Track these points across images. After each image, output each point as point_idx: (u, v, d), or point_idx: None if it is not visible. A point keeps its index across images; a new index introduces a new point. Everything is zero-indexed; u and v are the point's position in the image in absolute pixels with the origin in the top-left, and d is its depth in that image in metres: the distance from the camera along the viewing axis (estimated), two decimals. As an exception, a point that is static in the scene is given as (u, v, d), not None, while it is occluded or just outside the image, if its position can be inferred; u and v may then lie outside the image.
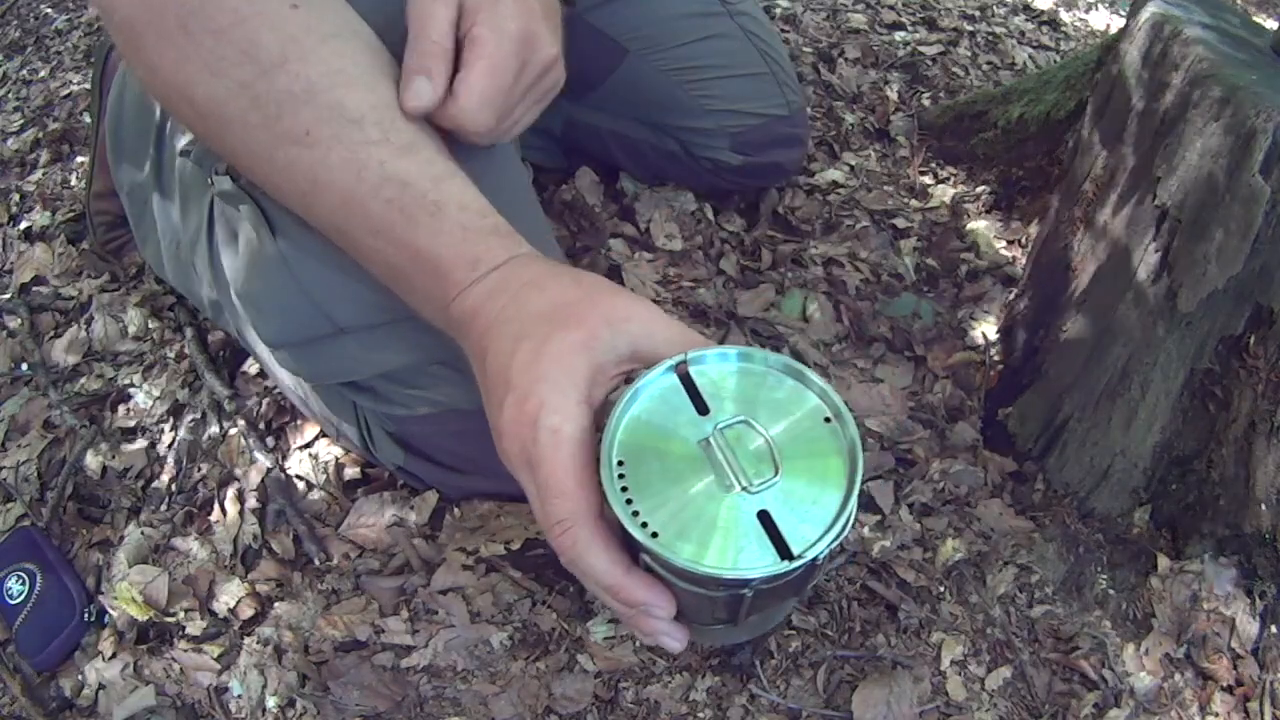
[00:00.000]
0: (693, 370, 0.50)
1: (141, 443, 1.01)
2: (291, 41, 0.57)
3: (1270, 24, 1.56)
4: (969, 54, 1.59)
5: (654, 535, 0.45)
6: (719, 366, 0.51)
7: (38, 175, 1.41)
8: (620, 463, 0.47)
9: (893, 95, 1.44)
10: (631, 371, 0.52)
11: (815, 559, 0.45)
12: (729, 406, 0.49)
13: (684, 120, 1.11)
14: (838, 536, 0.45)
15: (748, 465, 0.47)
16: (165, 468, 0.98)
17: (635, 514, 0.46)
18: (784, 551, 0.45)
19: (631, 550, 0.48)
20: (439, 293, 0.57)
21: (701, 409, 0.49)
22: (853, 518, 0.46)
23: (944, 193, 1.27)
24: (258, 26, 0.57)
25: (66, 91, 1.60)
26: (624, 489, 0.46)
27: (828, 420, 0.49)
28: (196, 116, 0.59)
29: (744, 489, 0.47)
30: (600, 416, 0.50)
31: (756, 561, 0.45)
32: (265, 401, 1.00)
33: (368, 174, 0.57)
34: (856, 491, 0.47)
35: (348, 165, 0.57)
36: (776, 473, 0.47)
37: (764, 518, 0.46)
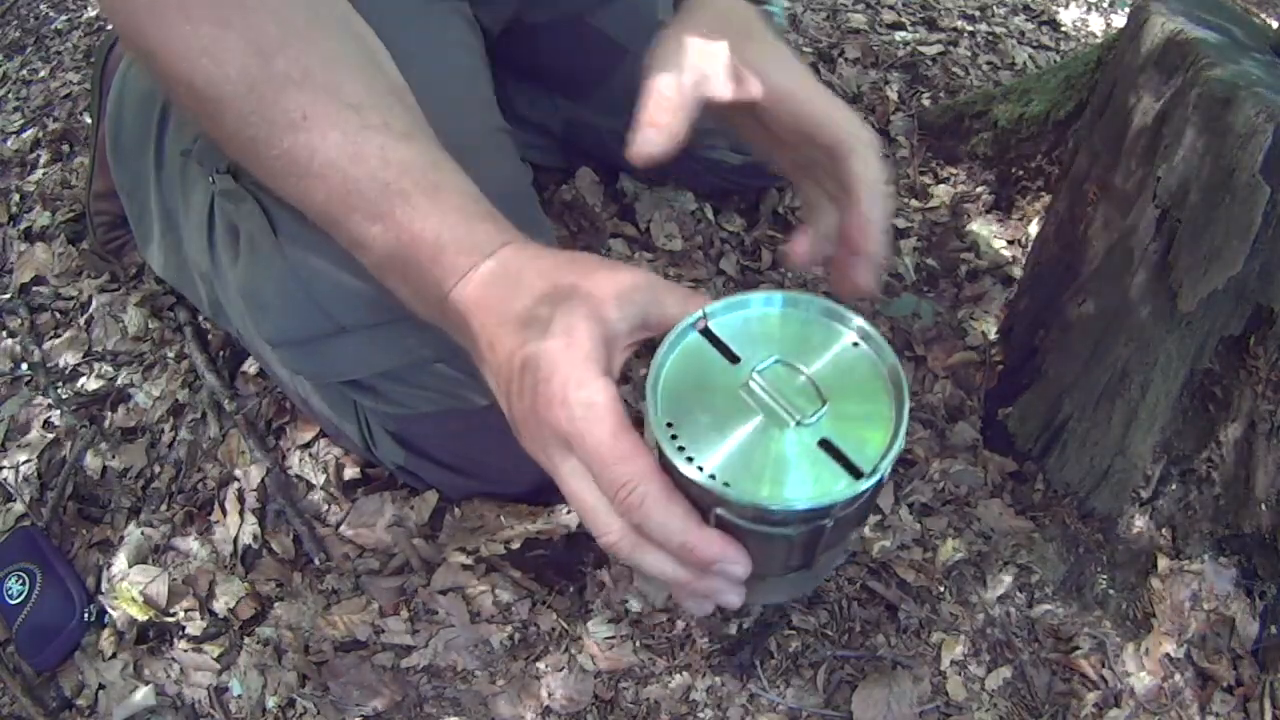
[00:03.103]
0: (712, 324, 0.51)
1: (141, 443, 1.01)
2: (292, 30, 0.57)
3: (1271, 24, 1.56)
4: (969, 54, 1.59)
5: (726, 485, 0.45)
6: (736, 314, 0.52)
7: (38, 175, 1.41)
8: (669, 424, 0.47)
9: (893, 95, 1.43)
10: (644, 341, 0.52)
11: (882, 477, 0.45)
12: (758, 351, 0.50)
13: None
14: (900, 449, 0.46)
15: (794, 401, 0.48)
16: (165, 468, 0.98)
17: (700, 469, 0.46)
18: (855, 472, 0.45)
19: (699, 509, 0.48)
20: (436, 280, 0.56)
21: (731, 358, 0.50)
22: (906, 429, 0.47)
23: (944, 193, 1.27)
24: (260, 14, 0.57)
25: (66, 91, 1.60)
26: (681, 448, 0.46)
27: (856, 345, 0.50)
28: (195, 102, 0.59)
29: (798, 423, 0.47)
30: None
31: (833, 487, 0.45)
32: (265, 401, 1.00)
33: (366, 157, 0.57)
34: (908, 402, 0.47)
35: (345, 149, 0.57)
36: (824, 403, 0.48)
37: (826, 445, 0.47)
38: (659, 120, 0.60)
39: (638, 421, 0.48)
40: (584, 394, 0.48)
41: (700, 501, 0.47)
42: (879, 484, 0.46)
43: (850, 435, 0.47)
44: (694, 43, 0.62)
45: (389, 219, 0.57)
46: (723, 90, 0.62)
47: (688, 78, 0.61)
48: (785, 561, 0.51)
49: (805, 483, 0.46)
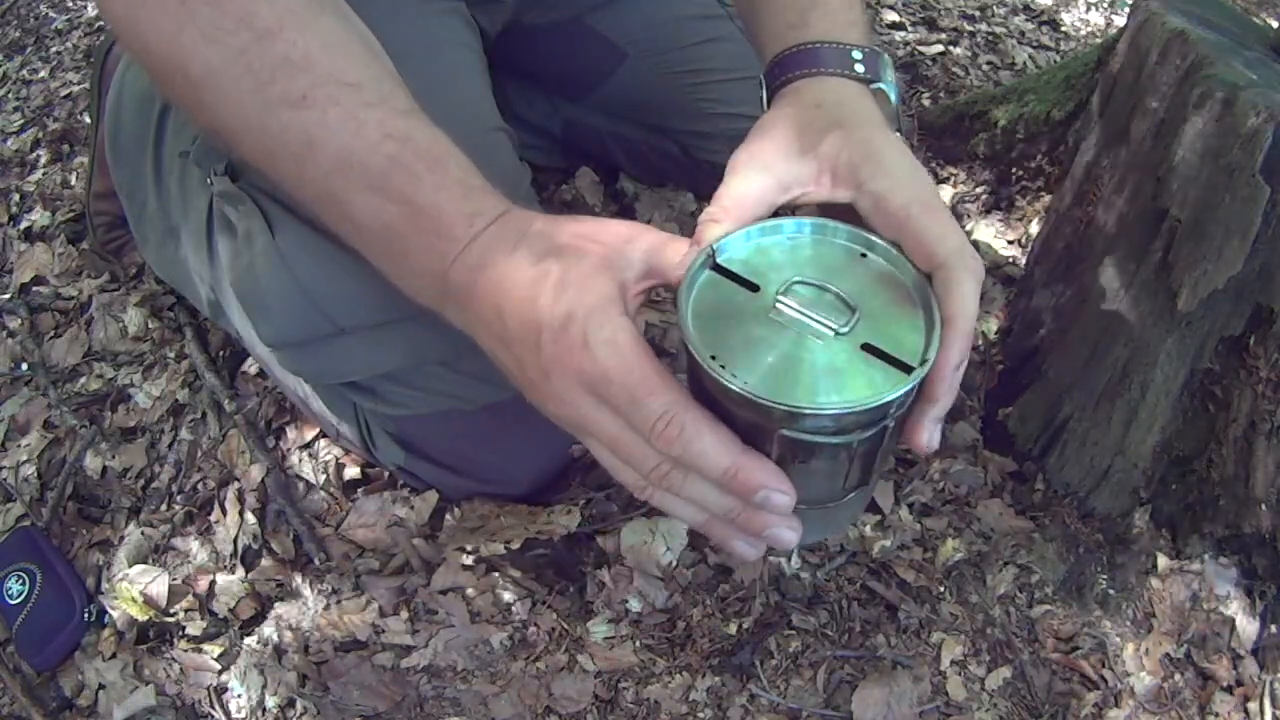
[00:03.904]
0: (722, 260, 0.52)
1: (141, 443, 1.01)
2: (288, 12, 0.58)
3: (1271, 24, 1.55)
4: (969, 54, 1.58)
5: (792, 401, 0.45)
6: (745, 245, 0.53)
7: (38, 175, 1.41)
8: (713, 357, 0.47)
9: (893, 95, 1.43)
10: (653, 288, 0.53)
11: (930, 365, 0.47)
12: (776, 276, 0.50)
13: (684, 123, 1.11)
14: (938, 341, 0.47)
15: (825, 314, 0.48)
16: (165, 468, 0.98)
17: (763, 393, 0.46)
18: (905, 368, 0.46)
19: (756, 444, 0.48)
20: (438, 253, 0.56)
21: (751, 287, 0.50)
22: (940, 326, 0.48)
23: (944, 193, 1.27)
24: None
25: (66, 91, 1.60)
26: (734, 374, 0.46)
27: (864, 255, 0.52)
28: (190, 89, 0.59)
29: (836, 334, 0.48)
30: None
31: (888, 383, 0.46)
32: (265, 401, 1.00)
33: (367, 130, 0.57)
34: (935, 300, 0.49)
35: (346, 124, 0.57)
36: (854, 312, 0.48)
37: (869, 349, 0.47)
38: (720, 219, 0.54)
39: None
40: (605, 333, 0.48)
41: (760, 428, 0.47)
42: (920, 382, 0.47)
43: (888, 336, 0.48)
44: (781, 139, 0.57)
45: (390, 191, 0.57)
46: (809, 196, 0.57)
47: (767, 181, 0.56)
48: (845, 479, 0.52)
49: (861, 385, 0.46)
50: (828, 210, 0.57)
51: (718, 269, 0.51)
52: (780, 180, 0.56)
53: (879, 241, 0.52)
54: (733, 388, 0.45)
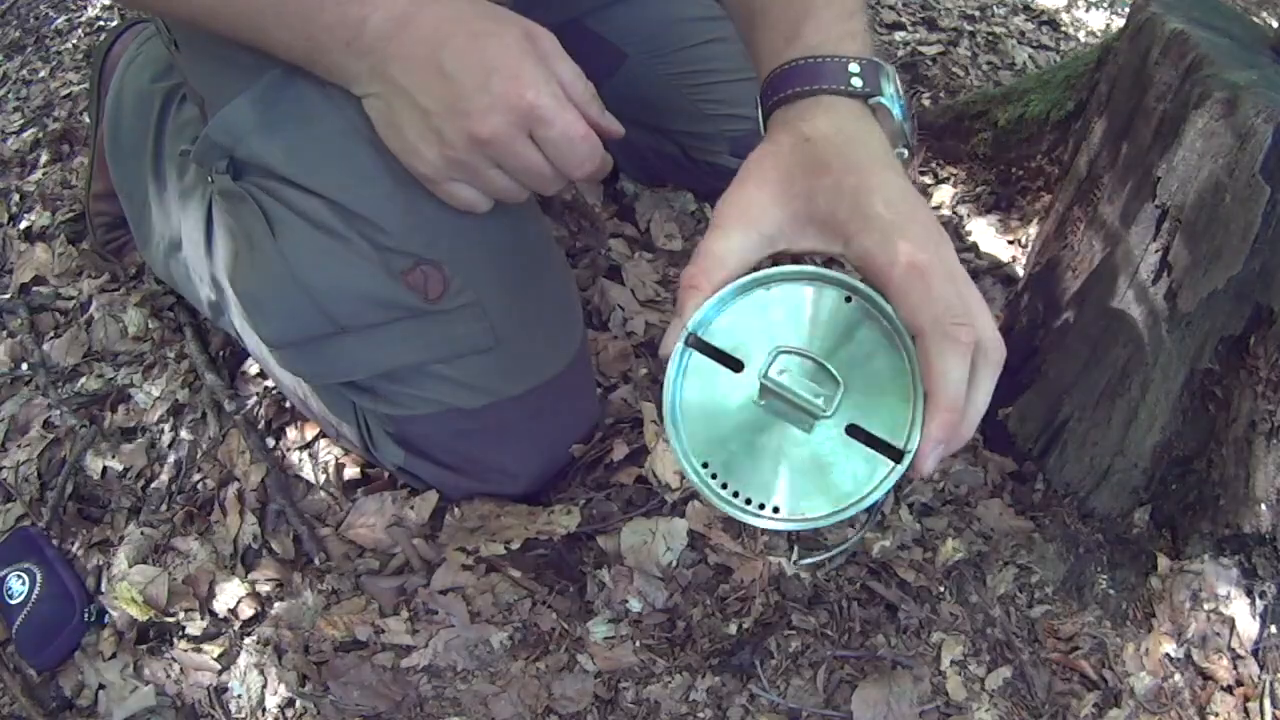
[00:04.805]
0: (703, 334, 0.51)
1: (141, 443, 1.01)
2: None
3: (1271, 24, 1.56)
4: (969, 54, 1.59)
5: (776, 510, 0.47)
6: (723, 312, 0.52)
7: (38, 175, 1.41)
8: (705, 465, 0.48)
9: (893, 95, 1.43)
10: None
11: (913, 453, 0.47)
12: (757, 346, 0.50)
13: (683, 124, 1.11)
14: (922, 419, 0.47)
15: (810, 392, 0.48)
16: (165, 468, 0.98)
17: (748, 501, 0.47)
18: (891, 451, 0.47)
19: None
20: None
21: (734, 366, 0.50)
22: (922, 387, 0.48)
23: (944, 193, 1.27)
24: None
25: (66, 91, 1.60)
26: (724, 485, 0.47)
27: (849, 300, 0.50)
28: None
29: (823, 417, 0.47)
30: None
31: (872, 475, 0.46)
32: (265, 401, 1.00)
33: None
34: (915, 357, 0.48)
35: None
36: (838, 383, 0.48)
37: (854, 432, 0.47)
38: (700, 285, 0.52)
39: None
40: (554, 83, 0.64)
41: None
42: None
43: (874, 409, 0.47)
44: (766, 187, 0.56)
45: None
46: (795, 248, 0.55)
47: (750, 239, 0.54)
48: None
49: (846, 480, 0.46)
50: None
51: (700, 345, 0.51)
52: (764, 234, 0.54)
53: (859, 284, 0.50)
54: (732, 514, 0.47)
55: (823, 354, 0.48)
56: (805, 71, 0.59)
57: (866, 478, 0.46)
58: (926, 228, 0.52)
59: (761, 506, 0.46)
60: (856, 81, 0.58)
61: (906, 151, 0.60)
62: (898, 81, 0.60)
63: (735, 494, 0.47)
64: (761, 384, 0.48)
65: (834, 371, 0.48)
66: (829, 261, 0.60)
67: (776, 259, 0.55)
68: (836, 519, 0.46)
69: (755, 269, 0.53)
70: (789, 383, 0.48)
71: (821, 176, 0.54)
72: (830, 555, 0.54)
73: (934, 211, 1.24)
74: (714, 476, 0.47)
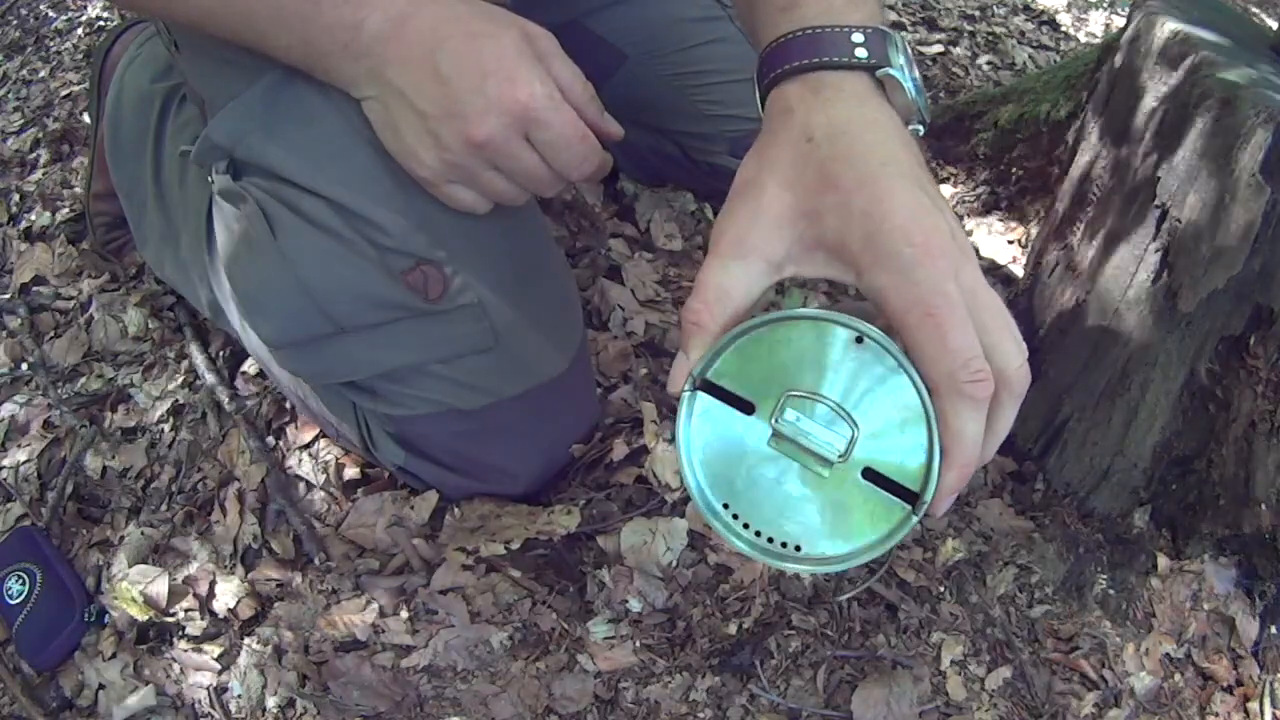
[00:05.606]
0: (711, 377, 0.50)
1: (141, 443, 1.01)
2: None
3: (1271, 24, 1.55)
4: (969, 54, 1.59)
5: (798, 549, 0.47)
6: (731, 353, 0.50)
7: (38, 175, 1.41)
8: (725, 505, 0.48)
9: (893, 95, 1.43)
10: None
11: (930, 501, 0.46)
12: (769, 390, 0.49)
13: (683, 125, 1.11)
14: (938, 469, 0.46)
15: (825, 436, 0.47)
16: (165, 468, 0.98)
17: (770, 541, 0.47)
18: (906, 494, 0.47)
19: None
20: (357, 2, 0.61)
21: (745, 408, 0.49)
22: (937, 424, 0.47)
23: (944, 193, 1.27)
24: None
25: (66, 91, 1.60)
26: (745, 525, 0.48)
27: (859, 341, 0.48)
28: None
29: (838, 460, 0.47)
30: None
31: (890, 519, 0.47)
32: (265, 401, 1.00)
33: None
34: (929, 398, 0.47)
35: None
36: (853, 425, 0.47)
37: (870, 475, 0.47)
38: (704, 321, 0.50)
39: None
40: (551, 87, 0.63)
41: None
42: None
43: (889, 451, 0.47)
44: (768, 205, 0.51)
45: None
46: (803, 273, 0.52)
47: (754, 268, 0.51)
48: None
49: (864, 524, 0.46)
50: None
51: (708, 387, 0.50)
52: (770, 261, 0.51)
53: (867, 328, 0.48)
54: (753, 555, 0.47)
55: (836, 396, 0.47)
56: (803, 44, 0.53)
57: (884, 520, 0.46)
58: (945, 253, 0.47)
59: (784, 545, 0.46)
60: (861, 52, 0.53)
61: (922, 128, 0.55)
62: (908, 50, 0.55)
63: (758, 533, 0.47)
64: (775, 426, 0.48)
65: (848, 414, 0.47)
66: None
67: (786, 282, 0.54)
68: (856, 561, 0.46)
69: (763, 296, 0.52)
70: (804, 427, 0.47)
71: (827, 194, 0.50)
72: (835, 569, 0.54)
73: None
74: (735, 517, 0.47)
